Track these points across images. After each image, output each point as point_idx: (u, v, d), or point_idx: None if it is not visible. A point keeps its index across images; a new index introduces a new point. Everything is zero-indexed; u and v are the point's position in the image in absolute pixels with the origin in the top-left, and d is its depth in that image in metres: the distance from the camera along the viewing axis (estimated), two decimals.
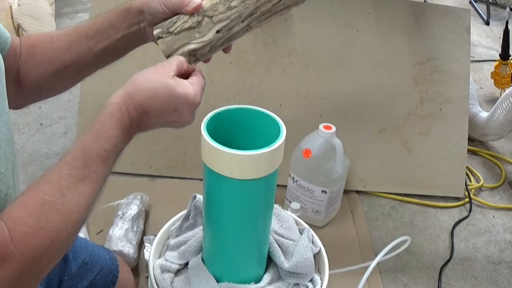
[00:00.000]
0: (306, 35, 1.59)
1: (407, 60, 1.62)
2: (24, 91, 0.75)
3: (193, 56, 0.69)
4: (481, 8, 3.20)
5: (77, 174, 0.56)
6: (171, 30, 0.68)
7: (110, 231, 1.26)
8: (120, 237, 1.24)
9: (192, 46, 0.68)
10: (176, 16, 0.69)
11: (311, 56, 1.59)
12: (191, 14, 0.68)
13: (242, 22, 0.68)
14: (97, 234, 1.32)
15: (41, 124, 1.80)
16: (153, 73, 0.62)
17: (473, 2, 3.28)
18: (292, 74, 1.59)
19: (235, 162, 0.63)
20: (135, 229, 1.29)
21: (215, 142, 0.63)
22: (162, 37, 0.68)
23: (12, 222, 0.50)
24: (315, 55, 1.59)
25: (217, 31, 0.68)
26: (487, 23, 3.07)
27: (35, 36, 0.77)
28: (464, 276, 1.37)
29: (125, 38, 0.73)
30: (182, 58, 0.66)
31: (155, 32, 0.69)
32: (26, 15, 2.18)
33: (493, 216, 1.60)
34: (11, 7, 2.11)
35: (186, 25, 0.68)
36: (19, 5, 2.13)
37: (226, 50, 0.73)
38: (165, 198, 1.45)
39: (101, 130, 0.59)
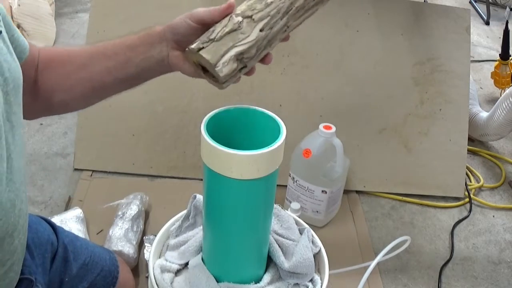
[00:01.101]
0: (306, 35, 1.59)
1: (407, 60, 1.62)
2: (38, 104, 0.74)
3: (241, 61, 0.66)
4: (481, 8, 3.20)
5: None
6: (211, 37, 0.64)
7: (110, 231, 1.26)
8: (120, 237, 1.24)
9: (239, 49, 0.64)
10: (213, 27, 0.66)
11: (311, 56, 1.59)
12: (227, 13, 0.66)
13: (281, 19, 0.67)
14: (97, 234, 1.32)
15: (41, 124, 1.80)
16: None
17: (473, 2, 3.28)
18: (292, 74, 1.59)
19: (235, 162, 0.63)
20: (135, 229, 1.29)
21: (215, 142, 0.63)
22: (203, 47, 0.64)
23: None
24: (315, 55, 1.59)
25: (260, 30, 0.65)
26: (487, 23, 3.07)
27: (54, 49, 0.76)
28: (464, 276, 1.37)
29: (145, 62, 0.71)
30: None
31: (193, 45, 0.65)
32: (26, 15, 2.18)
33: (493, 216, 1.60)
34: (11, 7, 2.11)
35: (227, 29, 0.65)
36: (19, 5, 2.13)
37: (266, 59, 0.69)
38: (165, 198, 1.45)
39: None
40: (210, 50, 0.64)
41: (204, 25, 0.67)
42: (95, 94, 0.76)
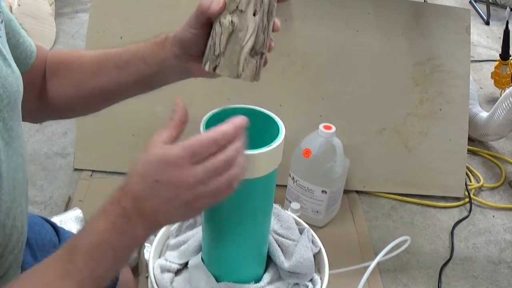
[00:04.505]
0: (306, 35, 1.59)
1: (407, 60, 1.62)
2: (45, 108, 0.73)
3: (256, 53, 0.62)
4: (481, 8, 3.20)
5: (61, 269, 0.51)
6: (216, 53, 0.61)
7: None
8: None
9: (247, 46, 0.61)
10: (210, 39, 0.62)
11: (311, 56, 1.59)
12: (217, 15, 0.61)
13: None
14: None
15: (41, 124, 1.80)
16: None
17: (473, 2, 3.28)
18: (292, 74, 1.59)
19: None
20: None
21: None
22: (216, 65, 0.61)
23: None
24: (315, 55, 1.59)
25: (254, 14, 0.60)
26: (487, 23, 3.07)
27: (63, 54, 0.74)
28: (464, 276, 1.37)
29: (159, 73, 0.69)
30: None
31: (206, 68, 0.62)
32: (26, 15, 2.18)
33: (493, 216, 1.60)
34: (11, 7, 2.11)
35: (224, 36, 0.61)
36: (19, 5, 2.13)
37: (275, 28, 0.64)
38: None
39: (90, 226, 0.53)
40: (224, 66, 0.62)
41: (207, 27, 0.64)
42: (105, 101, 0.74)
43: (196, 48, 0.65)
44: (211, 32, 0.62)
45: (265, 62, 0.65)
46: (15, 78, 0.61)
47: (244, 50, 0.61)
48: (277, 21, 0.64)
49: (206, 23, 0.63)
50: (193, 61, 0.66)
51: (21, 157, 0.62)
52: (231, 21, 0.60)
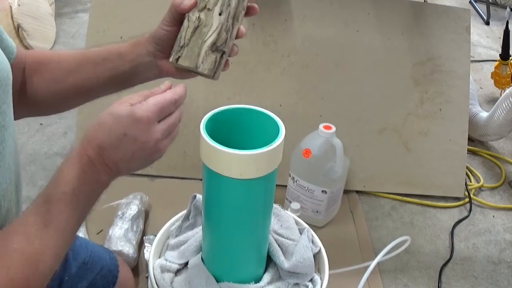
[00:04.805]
0: (306, 35, 1.59)
1: (407, 60, 1.62)
2: (25, 105, 0.74)
3: (217, 50, 0.68)
4: (481, 8, 3.20)
5: (41, 220, 0.55)
6: (181, 44, 0.68)
7: (110, 231, 1.26)
8: (119, 237, 1.24)
9: (209, 41, 0.67)
10: (179, 33, 0.69)
11: (311, 56, 1.59)
12: (189, 11, 0.68)
13: None
14: (97, 234, 1.32)
15: (41, 124, 1.80)
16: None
17: (473, 2, 3.28)
18: (292, 74, 1.59)
19: (234, 162, 0.63)
20: (134, 229, 1.29)
21: (214, 142, 0.63)
22: (179, 56, 0.68)
23: None
24: (315, 55, 1.59)
25: (220, 14, 0.67)
26: (487, 23, 3.07)
27: (42, 52, 0.77)
28: (464, 276, 1.37)
29: (133, 70, 0.73)
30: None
31: (171, 59, 0.68)
32: (26, 15, 2.18)
33: (493, 216, 1.60)
34: (11, 7, 2.11)
35: (190, 30, 0.67)
36: (19, 5, 2.13)
37: (239, 34, 0.70)
38: (165, 198, 1.45)
39: (59, 175, 0.57)
40: (186, 57, 0.67)
41: (179, 25, 0.69)
42: (82, 97, 0.77)
43: (168, 45, 0.70)
44: (180, 28, 0.69)
45: (226, 65, 0.70)
46: (4, 65, 0.63)
47: (205, 43, 0.67)
48: (243, 28, 0.70)
49: (179, 20, 0.69)
50: (165, 59, 0.71)
51: (14, 144, 0.65)
52: (198, 17, 0.67)
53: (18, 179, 0.68)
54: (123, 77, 0.73)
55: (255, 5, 0.70)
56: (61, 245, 0.57)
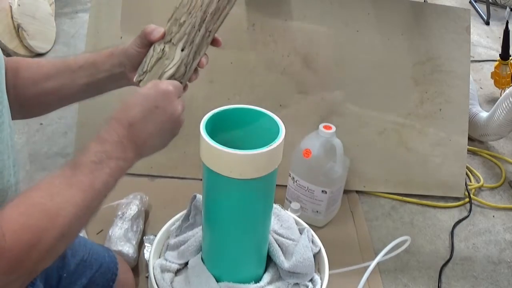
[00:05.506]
0: (306, 35, 1.59)
1: (407, 60, 1.62)
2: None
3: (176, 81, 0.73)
4: (481, 8, 3.20)
5: (65, 181, 0.59)
6: (144, 69, 0.73)
7: (110, 231, 1.26)
8: (119, 237, 1.24)
9: (168, 73, 0.72)
10: (144, 58, 0.74)
11: (311, 56, 1.59)
12: (157, 41, 0.73)
13: (199, 30, 0.72)
14: (97, 234, 1.32)
15: (41, 124, 1.80)
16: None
17: (473, 2, 3.28)
18: (292, 74, 1.59)
19: (234, 162, 0.63)
20: (134, 229, 1.29)
21: (214, 142, 0.63)
22: (141, 80, 0.73)
23: (4, 220, 0.53)
24: (315, 55, 1.59)
25: (182, 49, 0.72)
26: (487, 23, 3.07)
27: (23, 59, 0.81)
28: (464, 276, 1.37)
29: (107, 78, 0.78)
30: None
31: (135, 79, 0.74)
32: (26, 15, 2.18)
33: (493, 216, 1.60)
34: (11, 7, 2.11)
35: (154, 59, 0.72)
36: (19, 5, 2.13)
37: (200, 64, 0.76)
38: (165, 198, 1.45)
39: (88, 147, 0.62)
40: (147, 81, 0.73)
41: (148, 48, 0.75)
42: (59, 102, 0.82)
43: (137, 62, 0.76)
44: (147, 53, 0.75)
45: (185, 89, 0.76)
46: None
47: (165, 74, 0.72)
48: (204, 60, 0.76)
49: (148, 44, 0.75)
50: (133, 72, 0.77)
51: (10, 127, 0.68)
52: (163, 48, 0.73)
53: (15, 158, 0.70)
54: (98, 84, 0.78)
55: (219, 38, 0.77)
56: (83, 207, 0.59)
